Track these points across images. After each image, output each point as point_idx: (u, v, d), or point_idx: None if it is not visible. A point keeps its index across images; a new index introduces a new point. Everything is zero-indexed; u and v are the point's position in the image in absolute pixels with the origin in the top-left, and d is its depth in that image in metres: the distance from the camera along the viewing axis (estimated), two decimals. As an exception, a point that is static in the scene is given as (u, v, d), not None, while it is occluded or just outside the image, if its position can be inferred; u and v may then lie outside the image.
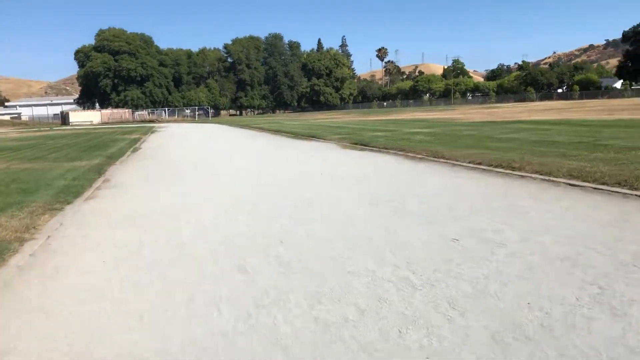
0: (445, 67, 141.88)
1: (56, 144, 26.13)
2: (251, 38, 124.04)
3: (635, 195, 6.62)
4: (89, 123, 79.86)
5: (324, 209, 6.97)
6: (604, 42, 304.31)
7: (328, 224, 6.07)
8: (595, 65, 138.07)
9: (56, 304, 3.92)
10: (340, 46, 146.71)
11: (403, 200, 7.26)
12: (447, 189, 8.03)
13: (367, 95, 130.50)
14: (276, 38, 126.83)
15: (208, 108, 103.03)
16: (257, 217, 6.68)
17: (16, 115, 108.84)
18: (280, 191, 8.68)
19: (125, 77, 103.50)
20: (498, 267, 4.22)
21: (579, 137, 13.72)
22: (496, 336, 3.05)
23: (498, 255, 4.53)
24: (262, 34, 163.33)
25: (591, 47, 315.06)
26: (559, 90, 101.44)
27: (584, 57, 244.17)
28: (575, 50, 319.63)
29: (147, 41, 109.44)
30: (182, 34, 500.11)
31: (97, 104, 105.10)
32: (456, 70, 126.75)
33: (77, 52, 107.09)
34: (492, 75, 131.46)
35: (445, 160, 11.12)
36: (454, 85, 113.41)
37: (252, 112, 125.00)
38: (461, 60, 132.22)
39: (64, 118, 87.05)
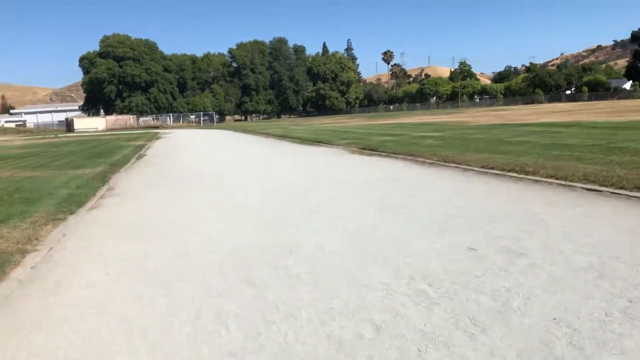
0: (452, 69, 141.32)
1: (60, 151, 26.10)
2: (256, 42, 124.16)
3: (656, 200, 6.39)
4: (94, 129, 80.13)
5: (333, 216, 6.79)
6: (612, 42, 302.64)
7: (338, 232, 5.89)
8: (603, 66, 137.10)
9: (57, 320, 3.77)
10: (345, 50, 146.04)
11: (414, 207, 7.06)
12: (459, 194, 7.83)
13: (373, 99, 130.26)
14: (281, 42, 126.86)
15: (213, 113, 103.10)
16: (264, 225, 6.50)
17: (21, 123, 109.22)
18: (288, 198, 8.50)
19: (129, 83, 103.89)
20: (519, 278, 4.02)
21: (592, 140, 13.46)
22: (523, 356, 2.85)
23: (518, 265, 4.32)
24: (266, 38, 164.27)
25: (599, 47, 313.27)
26: (567, 92, 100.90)
27: (591, 58, 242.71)
28: (583, 51, 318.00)
29: (151, 47, 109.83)
30: (186, 39, 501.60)
31: (101, 111, 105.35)
32: (463, 72, 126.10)
33: (81, 59, 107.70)
34: (499, 78, 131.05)
35: (456, 165, 10.91)
36: (461, 88, 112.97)
37: (257, 117, 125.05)
38: (468, 62, 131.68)
39: (68, 125, 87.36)
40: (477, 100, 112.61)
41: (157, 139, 39.01)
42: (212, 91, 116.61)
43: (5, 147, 35.27)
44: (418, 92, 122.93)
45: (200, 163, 17.12)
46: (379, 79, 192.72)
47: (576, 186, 7.56)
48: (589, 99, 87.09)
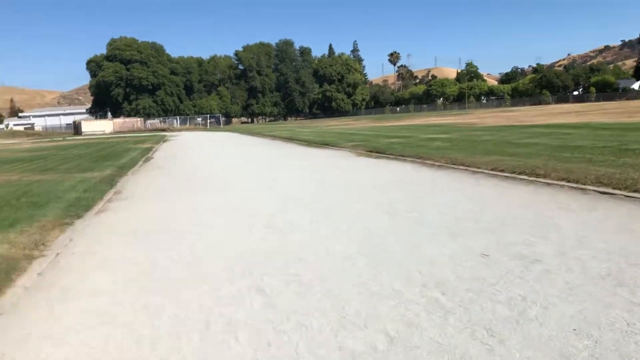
0: (459, 70, 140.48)
1: (68, 154, 26.17)
2: (262, 44, 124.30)
3: (672, 203, 6.26)
4: (101, 132, 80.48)
5: (342, 221, 6.69)
6: (620, 42, 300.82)
7: (347, 238, 5.79)
8: (611, 66, 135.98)
9: (63, 330, 3.70)
10: (351, 51, 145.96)
11: (423, 211, 6.96)
12: (469, 198, 7.72)
13: (379, 101, 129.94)
14: (287, 44, 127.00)
15: (219, 116, 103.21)
16: (273, 231, 6.42)
17: (30, 126, 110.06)
18: (296, 202, 8.42)
19: (136, 86, 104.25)
20: (535, 286, 3.91)
21: (603, 142, 13.29)
22: (543, 369, 2.75)
23: (533, 272, 4.21)
24: (272, 40, 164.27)
25: (607, 48, 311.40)
26: (575, 93, 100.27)
27: (599, 59, 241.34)
28: (591, 52, 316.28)
29: (158, 50, 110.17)
30: (192, 41, 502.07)
31: (109, 113, 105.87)
32: (470, 73, 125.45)
33: (89, 62, 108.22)
34: (506, 79, 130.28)
35: (465, 168, 10.78)
36: (468, 89, 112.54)
37: (263, 120, 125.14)
38: (475, 63, 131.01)
39: (76, 128, 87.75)
40: (484, 101, 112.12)
41: (165, 141, 39.05)
42: (219, 93, 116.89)
43: (14, 150, 35.44)
44: (425, 94, 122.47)
45: (208, 165, 17.07)
46: (385, 81, 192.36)
47: (589, 189, 7.43)
48: (597, 100, 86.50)
